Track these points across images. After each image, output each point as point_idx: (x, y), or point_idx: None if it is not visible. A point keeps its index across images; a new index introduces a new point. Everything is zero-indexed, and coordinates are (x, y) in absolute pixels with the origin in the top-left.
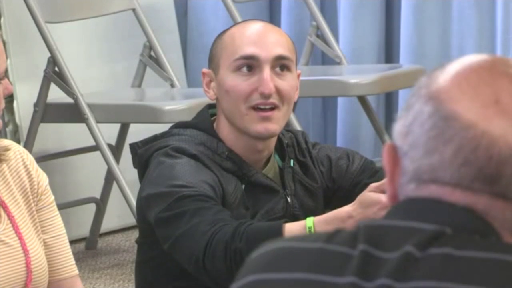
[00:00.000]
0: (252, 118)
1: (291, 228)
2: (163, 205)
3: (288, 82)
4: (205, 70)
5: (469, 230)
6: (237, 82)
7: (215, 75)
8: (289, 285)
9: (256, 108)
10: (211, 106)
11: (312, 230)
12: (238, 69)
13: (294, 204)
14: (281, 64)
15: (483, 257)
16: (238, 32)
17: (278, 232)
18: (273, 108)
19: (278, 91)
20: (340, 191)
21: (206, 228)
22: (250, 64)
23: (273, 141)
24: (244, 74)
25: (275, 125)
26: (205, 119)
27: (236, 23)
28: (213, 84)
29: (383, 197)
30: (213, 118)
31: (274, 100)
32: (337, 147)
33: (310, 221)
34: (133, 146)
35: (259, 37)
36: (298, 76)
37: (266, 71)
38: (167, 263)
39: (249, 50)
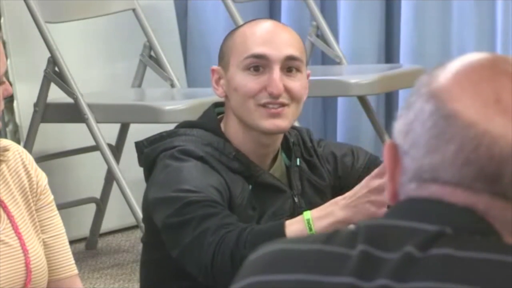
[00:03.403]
0: (261, 114)
1: (291, 223)
2: (170, 210)
3: (298, 82)
4: (215, 67)
5: (469, 230)
6: (246, 80)
7: (224, 72)
8: (288, 286)
9: (264, 105)
10: (217, 105)
11: (311, 221)
12: (247, 67)
13: (301, 204)
14: (290, 64)
15: (483, 258)
16: (249, 31)
17: (279, 231)
18: (283, 105)
19: (288, 91)
20: (346, 188)
21: (211, 238)
22: (260, 63)
23: (280, 136)
24: (254, 74)
25: (285, 121)
26: (211, 119)
27: (247, 22)
28: (222, 81)
29: (368, 178)
30: (219, 116)
31: (283, 99)
32: (342, 144)
33: (307, 213)
34: (138, 145)
35: (270, 37)
36: (308, 76)
37: (276, 71)
38: (172, 263)
39: (260, 49)
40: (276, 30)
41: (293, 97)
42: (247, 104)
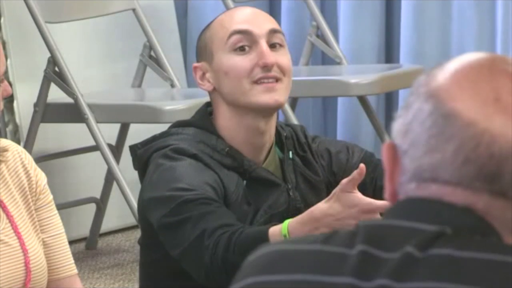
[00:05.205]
0: (257, 91)
1: (273, 232)
2: (165, 209)
3: (285, 56)
4: (196, 64)
5: (469, 230)
6: (236, 61)
7: (209, 64)
8: (287, 286)
9: (258, 82)
10: (209, 104)
11: (287, 235)
12: (233, 47)
13: (296, 197)
14: (274, 39)
15: (483, 258)
16: (227, 17)
17: (264, 238)
18: (276, 80)
19: (278, 65)
20: None
21: (207, 242)
22: (245, 39)
23: (274, 120)
24: (241, 54)
25: (281, 96)
26: (203, 116)
27: (221, 13)
28: (208, 75)
29: (361, 199)
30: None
31: (275, 73)
32: (337, 140)
33: (285, 226)
34: (133, 148)
35: (248, 16)
36: None
37: (263, 44)
38: (171, 263)
39: (242, 26)
40: (254, 11)
41: (284, 71)
42: (242, 84)
